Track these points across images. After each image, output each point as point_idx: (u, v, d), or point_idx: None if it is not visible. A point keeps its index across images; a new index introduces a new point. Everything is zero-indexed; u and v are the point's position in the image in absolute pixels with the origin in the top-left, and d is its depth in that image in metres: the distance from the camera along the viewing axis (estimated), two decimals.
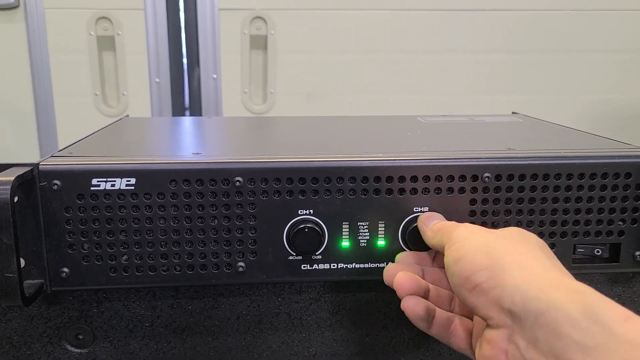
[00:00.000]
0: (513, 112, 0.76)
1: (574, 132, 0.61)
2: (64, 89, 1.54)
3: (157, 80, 1.56)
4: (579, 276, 0.51)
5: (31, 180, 0.43)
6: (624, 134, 1.61)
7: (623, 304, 0.52)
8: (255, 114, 1.59)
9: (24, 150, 1.55)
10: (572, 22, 1.56)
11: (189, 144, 0.59)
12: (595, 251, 0.49)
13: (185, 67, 1.63)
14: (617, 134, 1.59)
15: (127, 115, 0.76)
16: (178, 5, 1.56)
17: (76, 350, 0.49)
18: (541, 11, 1.55)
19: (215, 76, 1.57)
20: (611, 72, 1.60)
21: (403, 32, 1.55)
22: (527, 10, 1.55)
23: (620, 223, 0.48)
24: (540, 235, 0.48)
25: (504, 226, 0.47)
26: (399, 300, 0.50)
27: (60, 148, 0.50)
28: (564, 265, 0.48)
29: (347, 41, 1.55)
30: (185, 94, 1.65)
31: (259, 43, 1.56)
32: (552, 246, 0.48)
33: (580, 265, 0.49)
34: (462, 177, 0.46)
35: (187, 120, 0.75)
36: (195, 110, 1.63)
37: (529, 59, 1.58)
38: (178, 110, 1.63)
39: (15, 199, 0.41)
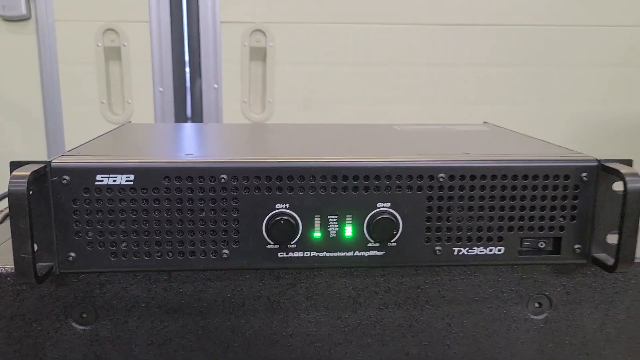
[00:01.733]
0: (484, 122, 0.83)
1: (528, 140, 0.67)
2: (72, 97, 1.61)
3: (161, 89, 1.63)
4: (526, 267, 0.58)
5: (44, 176, 0.50)
6: (618, 143, 1.68)
7: (567, 293, 0.58)
8: (254, 122, 1.65)
9: (33, 155, 1.62)
10: (568, 37, 1.63)
11: (183, 146, 0.66)
12: (539, 244, 0.55)
13: (187, 77, 1.68)
14: (613, 142, 1.66)
15: (130, 122, 0.83)
16: (181, 18, 1.62)
17: (80, 327, 0.56)
18: (539, 26, 1.62)
19: (216, 86, 1.63)
20: (603, 84, 1.67)
21: (396, 45, 1.62)
22: (524, 26, 1.62)
23: (561, 219, 0.54)
24: (489, 229, 0.54)
25: (458, 222, 0.54)
26: (367, 287, 0.57)
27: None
28: (511, 256, 0.55)
29: (342, 53, 1.62)
30: (187, 102, 1.71)
31: (259, 55, 1.63)
32: (500, 239, 0.54)
33: (526, 257, 0.55)
34: (420, 177, 0.53)
35: (182, 126, 0.82)
36: (197, 118, 1.69)
37: (525, 71, 1.65)
38: (180, 118, 1.69)
39: (30, 191, 0.48)
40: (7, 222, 0.67)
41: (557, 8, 1.62)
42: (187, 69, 1.67)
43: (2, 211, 0.70)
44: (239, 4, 1.58)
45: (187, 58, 1.66)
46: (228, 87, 1.63)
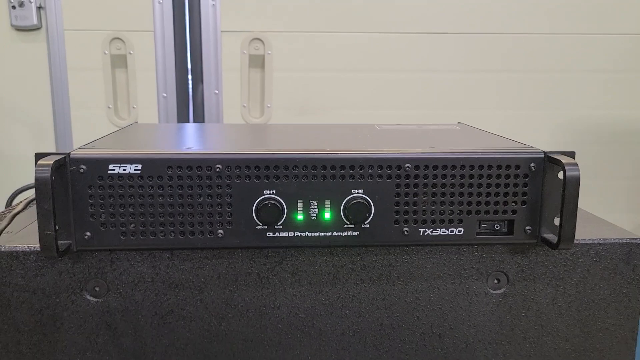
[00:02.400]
0: (458, 122, 0.91)
1: (489, 136, 0.75)
2: (80, 102, 1.68)
3: (165, 95, 1.70)
4: (485, 247, 0.65)
5: (64, 165, 0.58)
6: (611, 146, 1.75)
7: (522, 270, 0.66)
8: None
9: None
10: (561, 45, 1.71)
11: (184, 142, 0.74)
12: (495, 226, 0.63)
13: (190, 83, 1.74)
14: (605, 145, 1.74)
15: (136, 122, 0.91)
16: (184, 28, 1.69)
17: (93, 299, 0.64)
18: (531, 34, 1.69)
19: (217, 92, 1.71)
20: (593, 90, 1.75)
21: (388, 52, 1.70)
22: (519, 34, 1.69)
23: (513, 204, 0.62)
24: (451, 212, 0.62)
25: (423, 206, 0.62)
26: (345, 264, 0.65)
27: None
28: (470, 237, 0.63)
29: (336, 61, 1.70)
30: (189, 107, 1.78)
31: (257, 62, 1.70)
32: (460, 222, 0.62)
33: (483, 237, 0.63)
34: (389, 167, 0.60)
35: (183, 126, 0.90)
36: (199, 122, 1.77)
37: (517, 77, 1.73)
38: (183, 122, 1.77)
39: (53, 178, 0.56)
40: (28, 210, 0.76)
41: (551, 17, 1.70)
42: (190, 76, 1.74)
43: (22, 201, 0.78)
44: (239, 14, 1.67)
45: (189, 65, 1.73)
46: (228, 93, 1.71)
